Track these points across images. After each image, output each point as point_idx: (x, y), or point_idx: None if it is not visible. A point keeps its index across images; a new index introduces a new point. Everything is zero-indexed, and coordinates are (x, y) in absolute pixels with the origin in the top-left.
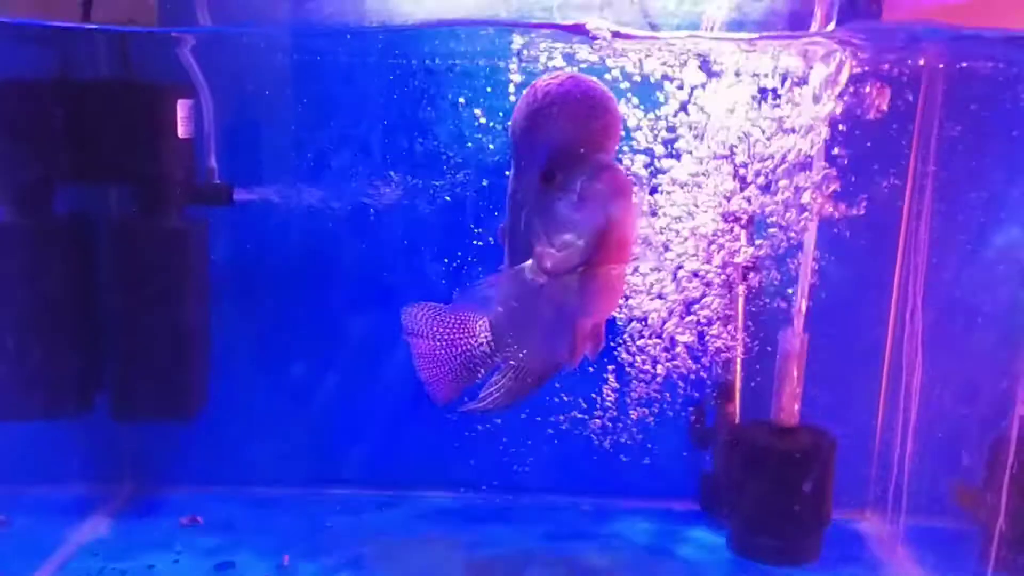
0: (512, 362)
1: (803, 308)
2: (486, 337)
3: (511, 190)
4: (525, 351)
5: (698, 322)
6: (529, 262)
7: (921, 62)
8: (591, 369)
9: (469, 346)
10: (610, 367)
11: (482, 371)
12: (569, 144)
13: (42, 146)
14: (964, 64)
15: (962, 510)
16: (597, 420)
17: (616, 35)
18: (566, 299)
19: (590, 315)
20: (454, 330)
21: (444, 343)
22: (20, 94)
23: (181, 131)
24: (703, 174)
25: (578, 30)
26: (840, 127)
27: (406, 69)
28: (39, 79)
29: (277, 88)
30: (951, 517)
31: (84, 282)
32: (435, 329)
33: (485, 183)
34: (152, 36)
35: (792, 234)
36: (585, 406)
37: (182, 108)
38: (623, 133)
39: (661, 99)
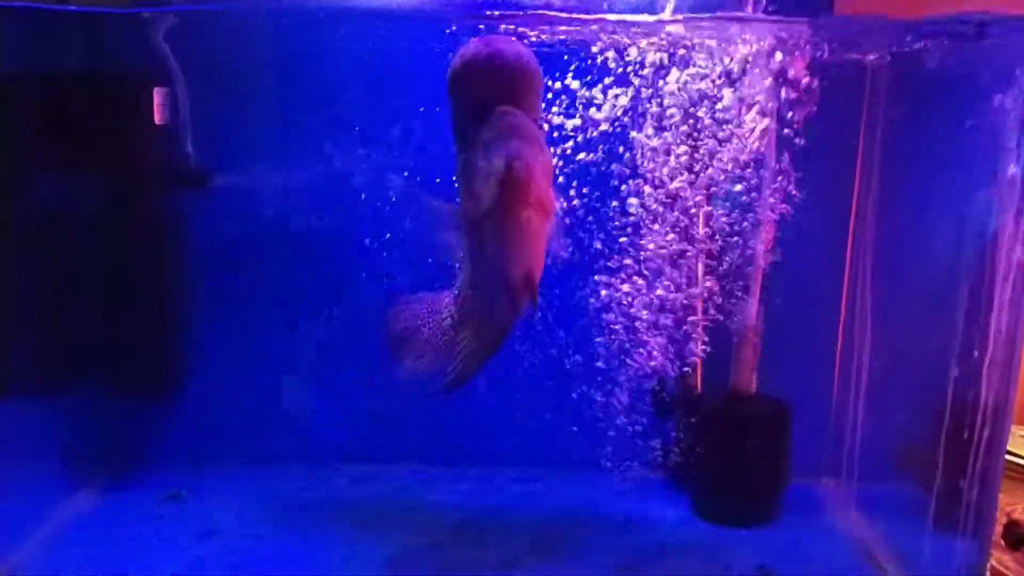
0: (464, 324)
1: (759, 281)
2: (450, 310)
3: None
4: (473, 309)
5: (661, 294)
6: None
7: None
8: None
9: (439, 322)
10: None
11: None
12: (481, 101)
13: (17, 136)
14: (909, 52)
15: (906, 468)
16: (564, 392)
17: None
18: (490, 251)
19: (509, 264)
20: (428, 312)
21: (420, 326)
22: None
23: (157, 118)
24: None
25: (538, 18)
26: (790, 114)
27: (386, 51)
28: (12, 69)
29: (253, 72)
30: (901, 480)
31: (64, 267)
32: (413, 316)
33: None
34: (127, 22)
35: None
36: (552, 378)
37: (158, 95)
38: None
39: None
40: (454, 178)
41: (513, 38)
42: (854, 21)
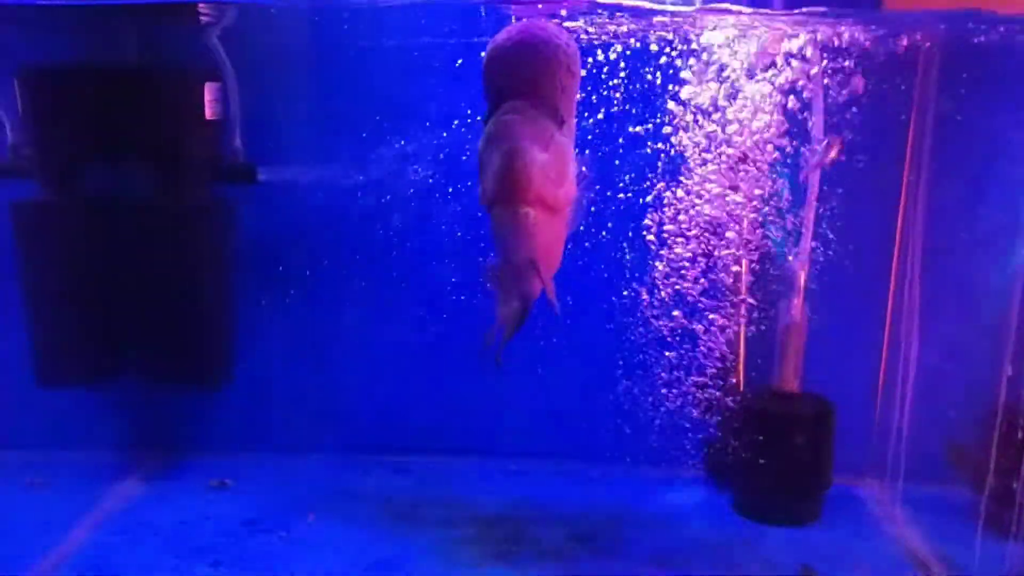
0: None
1: (803, 279)
2: None
3: None
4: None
5: (702, 292)
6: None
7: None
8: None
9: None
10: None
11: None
12: (498, 89)
13: (74, 128)
14: (959, 41)
15: (954, 469)
16: (605, 388)
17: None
18: (497, 238)
19: (509, 253)
20: None
21: None
22: (54, 78)
23: (208, 113)
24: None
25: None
26: (839, 99)
27: (431, 47)
28: (71, 64)
29: (301, 68)
30: (947, 481)
31: (116, 257)
32: None
33: None
34: (181, 20)
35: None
36: (594, 374)
37: (209, 91)
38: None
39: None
40: None
41: (552, 22)
42: (902, 16)
